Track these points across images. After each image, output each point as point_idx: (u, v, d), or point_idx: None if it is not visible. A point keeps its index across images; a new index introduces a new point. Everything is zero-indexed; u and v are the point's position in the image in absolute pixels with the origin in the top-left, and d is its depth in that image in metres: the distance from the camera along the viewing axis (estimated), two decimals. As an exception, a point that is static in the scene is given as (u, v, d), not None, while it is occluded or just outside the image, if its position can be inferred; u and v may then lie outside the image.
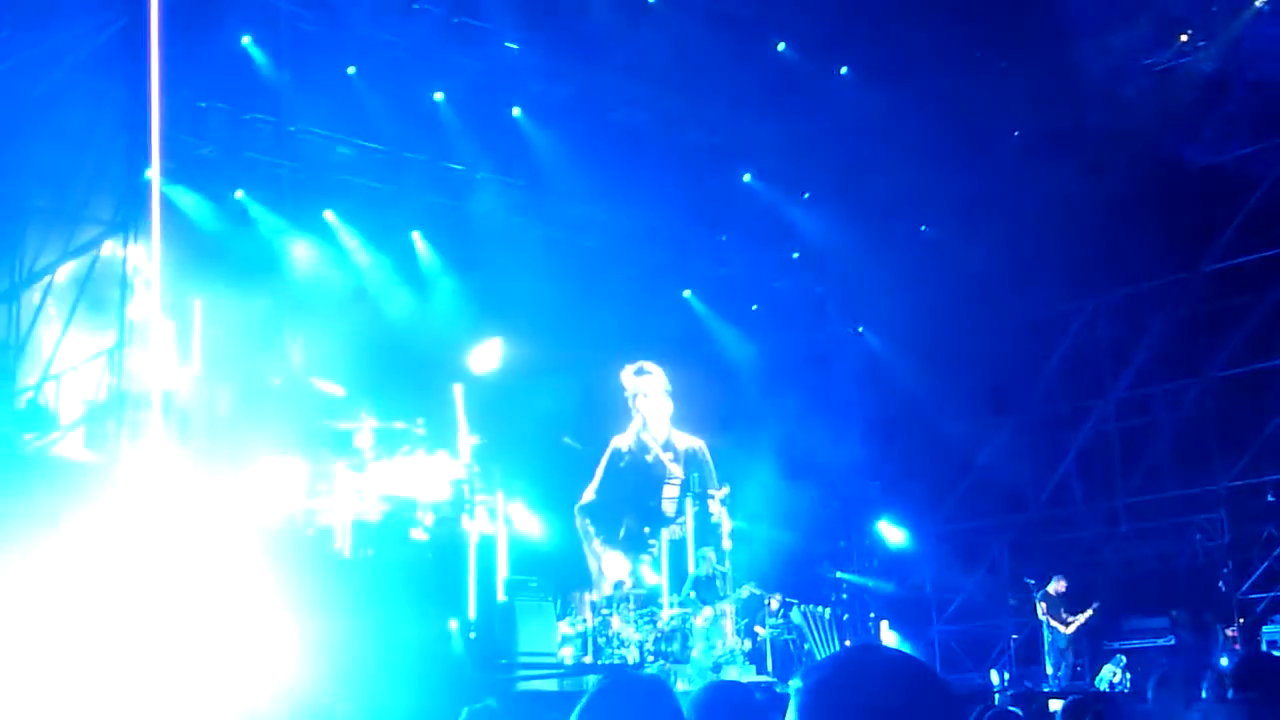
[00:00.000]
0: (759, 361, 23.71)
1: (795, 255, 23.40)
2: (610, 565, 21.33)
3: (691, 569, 19.82)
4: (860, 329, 24.39)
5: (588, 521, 22.04)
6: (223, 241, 18.15)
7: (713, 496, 21.21)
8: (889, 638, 22.52)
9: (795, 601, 20.26)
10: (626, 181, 21.15)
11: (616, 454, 22.52)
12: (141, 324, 15.67)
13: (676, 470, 22.69)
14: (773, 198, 22.50)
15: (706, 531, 21.25)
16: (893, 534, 24.23)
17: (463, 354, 20.53)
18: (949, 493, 23.83)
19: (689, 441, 22.93)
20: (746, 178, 22.36)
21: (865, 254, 22.90)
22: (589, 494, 22.19)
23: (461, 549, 17.03)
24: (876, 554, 23.97)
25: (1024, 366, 23.42)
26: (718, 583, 19.49)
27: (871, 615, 23.12)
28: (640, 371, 22.69)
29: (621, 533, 22.07)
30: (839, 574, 23.57)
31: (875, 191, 22.25)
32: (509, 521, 18.85)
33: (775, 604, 19.83)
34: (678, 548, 21.66)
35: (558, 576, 19.24)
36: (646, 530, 22.19)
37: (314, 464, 17.01)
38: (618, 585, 20.10)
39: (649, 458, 22.74)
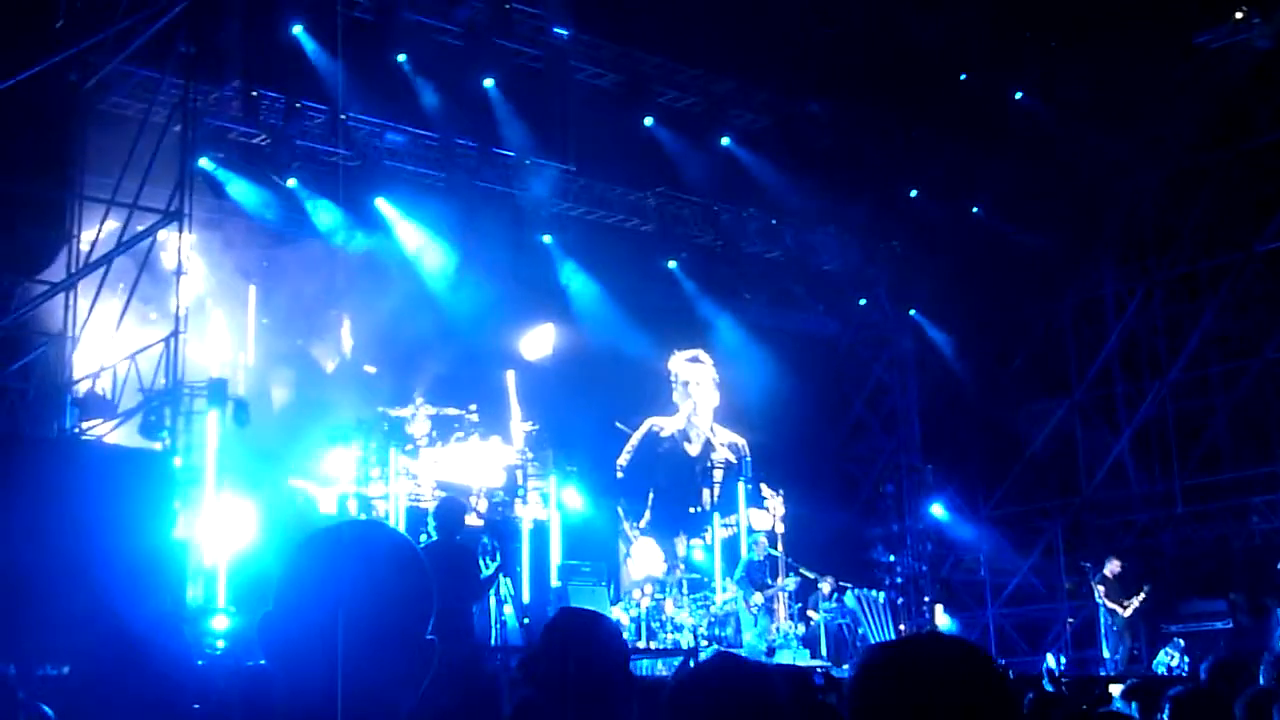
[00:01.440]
0: (808, 345, 23.49)
1: (846, 237, 23.12)
2: (640, 550, 20.87)
3: (745, 553, 19.65)
4: (912, 311, 24.12)
5: (618, 500, 21.64)
6: (276, 230, 18.15)
7: (763, 482, 21.04)
8: (943, 622, 22.28)
9: (849, 585, 20.06)
10: (677, 166, 21.00)
11: (653, 437, 22.15)
12: (196, 312, 15.68)
13: (725, 456, 22.47)
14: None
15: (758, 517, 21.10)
16: (947, 518, 23.99)
17: (515, 341, 20.46)
18: (1003, 476, 23.60)
19: (730, 436, 22.74)
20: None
21: (916, 235, 22.67)
22: (616, 473, 21.79)
23: (515, 534, 17.01)
24: (930, 538, 23.72)
25: (1079, 348, 23.11)
26: (769, 568, 19.32)
27: (926, 599, 22.90)
28: (694, 360, 22.47)
29: (647, 518, 21.66)
30: (892, 557, 23.35)
31: (926, 173, 22.02)
32: (562, 506, 18.81)
33: (828, 588, 19.65)
34: (731, 535, 21.53)
35: (611, 561, 19.16)
36: (692, 510, 21.87)
37: (368, 450, 17.03)
38: (671, 569, 19.94)
39: (692, 448, 22.47)
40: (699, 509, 21.93)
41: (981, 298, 22.80)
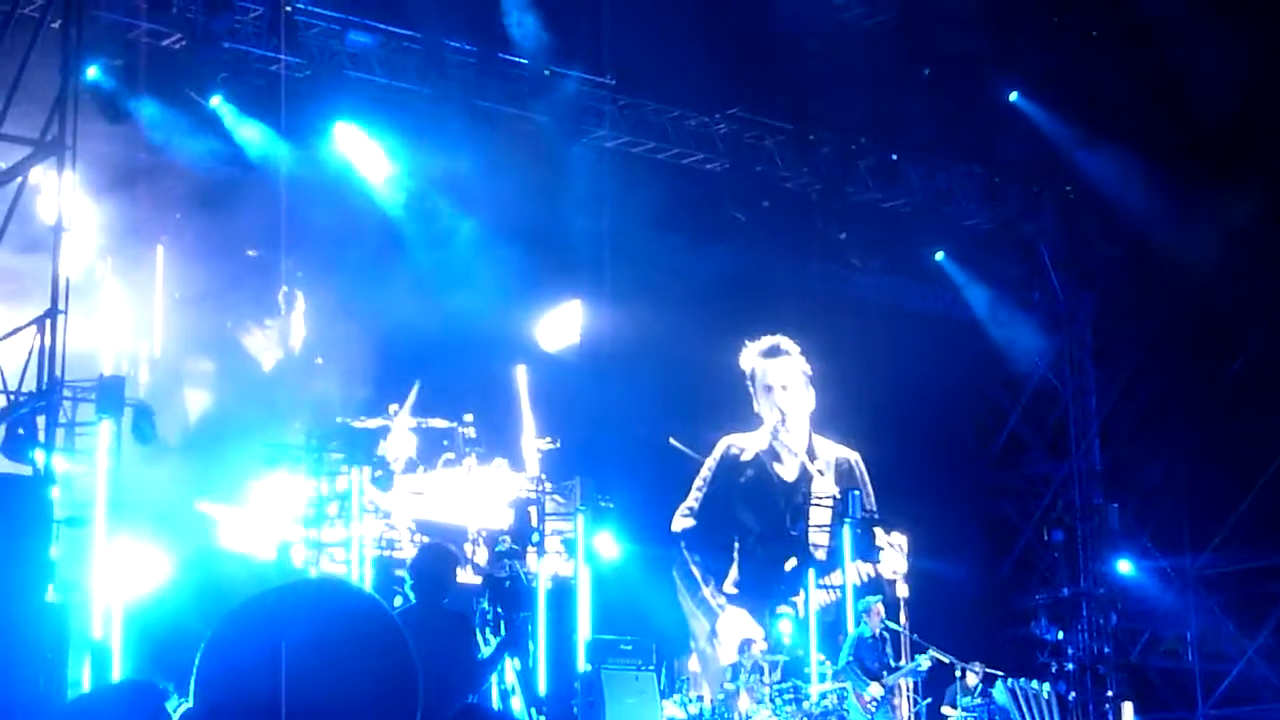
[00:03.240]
0: (942, 330, 23.42)
1: (996, 180, 23.02)
2: (731, 627, 21.16)
3: (851, 627, 19.63)
4: (1091, 287, 23.99)
5: (688, 555, 21.79)
6: (194, 168, 18.22)
7: (873, 515, 21.07)
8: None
9: (999, 674, 19.99)
10: (757, 79, 20.97)
11: (731, 463, 22.26)
12: (82, 283, 15.76)
13: (827, 487, 22.48)
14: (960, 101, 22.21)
15: (874, 579, 21.14)
16: (1139, 578, 23.90)
17: (528, 325, 20.49)
18: (1221, 520, 23.44)
19: (837, 451, 22.70)
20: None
21: (1097, 179, 22.58)
22: (682, 519, 21.85)
23: (528, 597, 17.04)
24: (1115, 606, 23.64)
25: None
26: (888, 648, 19.29)
27: (1109, 694, 22.81)
28: (773, 351, 22.46)
29: (732, 576, 21.82)
30: (1061, 635, 23.26)
31: (1110, 88, 21.97)
32: (594, 558, 18.83)
33: (975, 679, 19.59)
34: (828, 608, 21.49)
35: (662, 635, 19.20)
36: (791, 563, 21.94)
37: (323, 478, 17.09)
38: (745, 645, 19.97)
39: (784, 471, 22.50)
40: (801, 560, 21.99)
41: (1190, 270, 22.61)
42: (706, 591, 21.40)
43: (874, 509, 21.93)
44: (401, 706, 2.32)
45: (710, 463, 22.14)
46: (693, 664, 19.90)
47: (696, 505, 22.00)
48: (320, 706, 2.37)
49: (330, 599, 2.31)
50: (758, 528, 22.17)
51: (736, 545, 21.87)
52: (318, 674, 2.41)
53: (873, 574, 21.00)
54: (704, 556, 21.67)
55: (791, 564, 21.88)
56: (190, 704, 2.53)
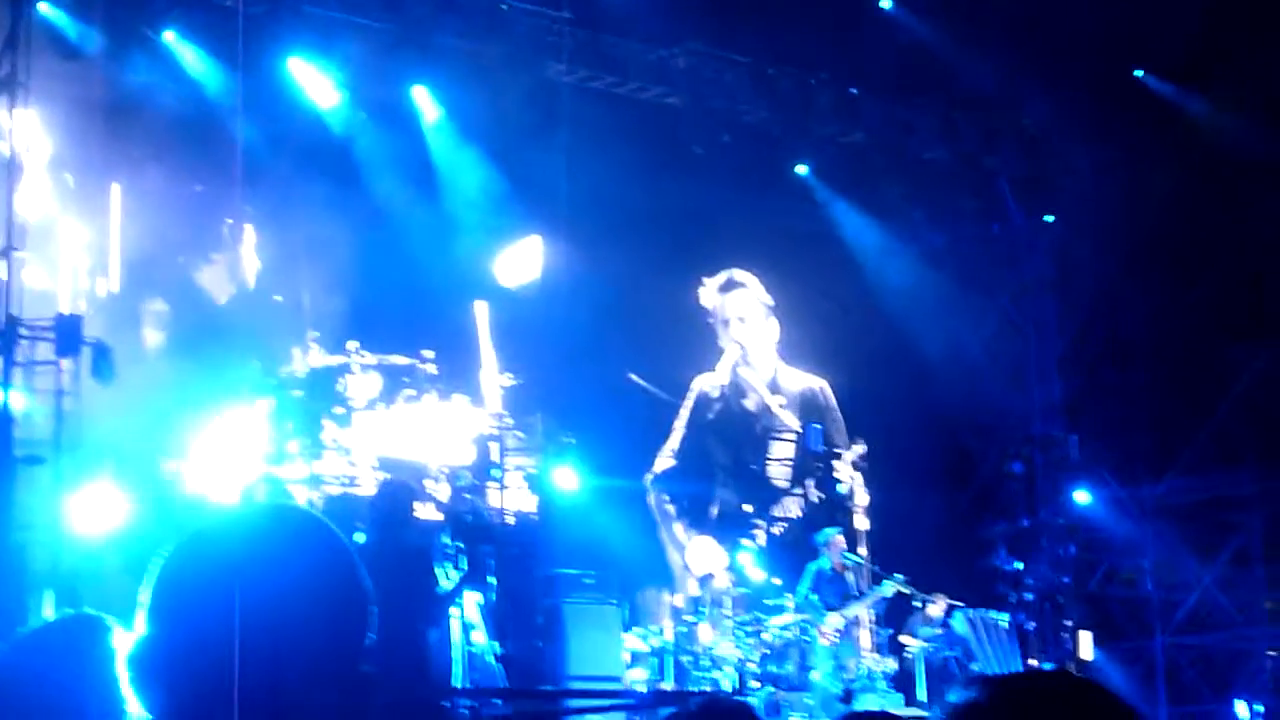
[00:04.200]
0: (903, 264, 23.49)
1: (955, 114, 23.04)
2: (698, 556, 21.32)
3: (814, 559, 19.75)
4: (1049, 218, 24.05)
5: (665, 498, 22.00)
6: (150, 104, 18.15)
7: (840, 456, 21.10)
8: (1090, 655, 22.38)
9: (959, 604, 20.14)
10: (717, 11, 20.92)
11: (703, 401, 22.39)
12: (38, 223, 15.74)
13: (789, 420, 22.53)
14: (926, 33, 22.17)
15: (833, 507, 21.15)
16: (1098, 508, 24.03)
17: (487, 260, 20.49)
18: (1179, 451, 23.56)
19: (804, 381, 22.75)
20: (886, 3, 22.08)
21: (1058, 108, 22.57)
22: (665, 459, 22.11)
23: (489, 532, 17.09)
24: (1074, 536, 23.78)
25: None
26: (850, 578, 19.43)
27: (1067, 624, 22.97)
28: (729, 285, 22.45)
29: (715, 510, 22.03)
30: (1020, 565, 23.40)
31: (1069, 27, 21.88)
32: (555, 494, 18.90)
33: (939, 610, 19.77)
34: (793, 531, 21.64)
35: (624, 570, 19.27)
36: (749, 508, 22.13)
37: (280, 415, 17.11)
38: (706, 580, 20.11)
39: (749, 404, 22.59)
40: (763, 492, 22.15)
41: (1154, 200, 22.68)
42: (678, 527, 21.57)
43: (841, 442, 21.85)
44: (353, 633, 2.36)
45: (687, 403, 22.33)
46: (677, 600, 19.94)
47: (677, 445, 22.23)
48: (272, 634, 2.40)
49: (285, 525, 2.35)
50: (727, 462, 22.33)
51: (714, 486, 22.06)
52: (271, 598, 2.45)
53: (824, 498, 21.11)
54: (681, 494, 21.90)
55: (749, 508, 22.03)
56: (146, 632, 2.56)
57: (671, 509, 21.92)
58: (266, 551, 2.65)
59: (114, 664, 2.88)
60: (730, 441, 22.49)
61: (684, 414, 22.31)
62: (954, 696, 2.64)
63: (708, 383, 22.48)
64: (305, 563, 2.66)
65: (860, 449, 20.90)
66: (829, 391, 22.74)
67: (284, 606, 2.60)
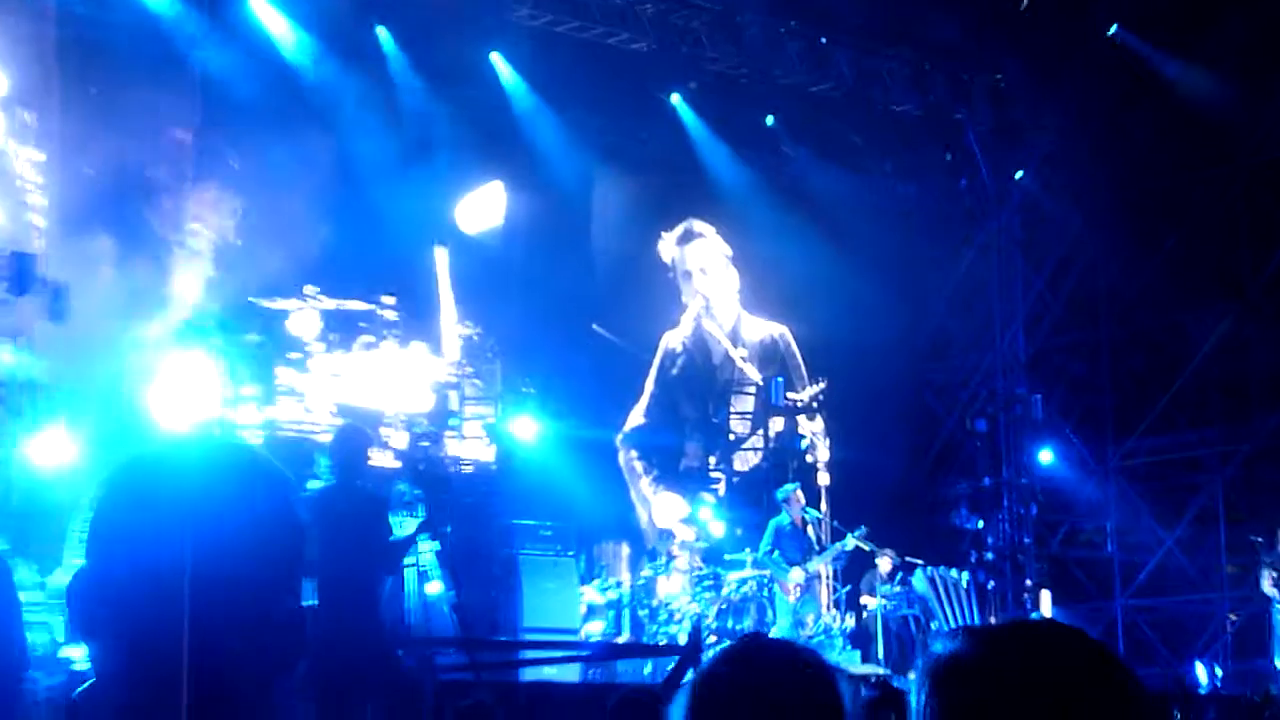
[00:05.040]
0: (869, 216, 23.46)
1: (926, 67, 23.00)
2: (663, 510, 21.36)
3: (774, 514, 19.78)
4: (1019, 174, 24.06)
5: (634, 454, 22.02)
6: (105, 38, 17.97)
7: (798, 405, 21.19)
8: (1049, 614, 22.47)
9: (919, 563, 20.21)
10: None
11: (669, 356, 22.45)
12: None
13: (750, 373, 22.57)
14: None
15: (794, 461, 21.22)
16: (1061, 468, 24.11)
17: (449, 206, 20.40)
18: (1142, 412, 23.64)
19: (765, 329, 22.82)
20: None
21: (1029, 64, 22.55)
22: (635, 417, 22.18)
23: (446, 480, 17.07)
24: (1036, 495, 23.85)
25: (1256, 230, 23.03)
26: (810, 534, 19.46)
27: (1028, 584, 23.07)
28: (687, 237, 22.46)
29: (683, 464, 22.13)
30: (981, 524, 23.49)
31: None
32: (514, 444, 18.89)
33: (888, 565, 19.85)
34: (752, 483, 21.67)
35: (583, 522, 19.28)
36: (712, 460, 22.18)
37: (233, 360, 17.02)
38: (666, 534, 20.14)
39: (712, 357, 22.63)
40: (725, 444, 22.23)
41: (1120, 157, 22.66)
42: (645, 483, 21.65)
43: (803, 396, 21.87)
44: (286, 562, 2.32)
45: (656, 362, 22.50)
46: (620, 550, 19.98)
47: (647, 402, 22.36)
48: (203, 563, 2.38)
49: (224, 456, 2.31)
50: (693, 415, 22.48)
51: (683, 442, 22.18)
52: (203, 529, 2.42)
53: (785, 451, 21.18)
54: (650, 450, 22.06)
55: (712, 460, 22.10)
56: (81, 564, 2.55)
57: (639, 466, 21.98)
58: (200, 481, 2.61)
59: (13, 603, 2.80)
60: (696, 395, 22.59)
61: (652, 372, 22.47)
62: (938, 647, 2.58)
63: (673, 338, 22.55)
64: (239, 494, 2.62)
65: (817, 388, 21.07)
66: (789, 337, 22.83)
67: (215, 538, 2.56)
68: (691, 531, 19.90)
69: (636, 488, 21.89)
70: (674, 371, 22.48)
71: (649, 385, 22.37)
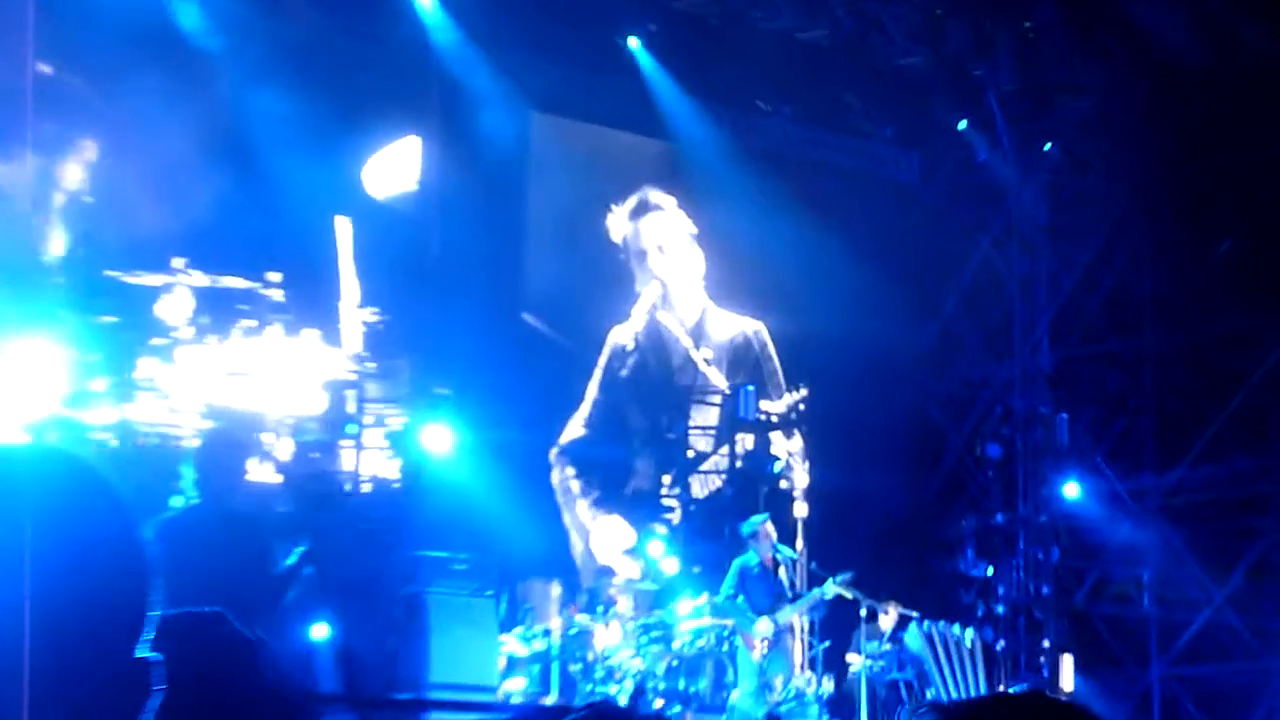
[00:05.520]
0: (864, 192, 23.53)
1: (939, 12, 23.06)
2: (604, 540, 21.33)
3: (740, 552, 19.78)
4: (1047, 146, 24.14)
5: (570, 472, 21.91)
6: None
7: (772, 418, 21.21)
8: (1071, 685, 22.55)
9: (915, 615, 20.25)
10: None
11: (617, 354, 22.36)
12: None
13: (715, 379, 22.56)
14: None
15: (765, 487, 21.24)
16: (1089, 504, 24.16)
17: (353, 166, 20.37)
18: (1188, 439, 23.69)
19: (736, 325, 22.79)
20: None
21: (1066, 10, 22.62)
22: (574, 427, 22.06)
23: (339, 501, 17.05)
24: (1059, 538, 23.95)
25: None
26: (783, 577, 19.48)
27: (1047, 644, 23.15)
28: (642, 209, 22.44)
29: (630, 488, 22.07)
30: (991, 570, 23.56)
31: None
32: (423, 457, 18.86)
33: (892, 620, 19.86)
34: (713, 512, 21.67)
35: (506, 555, 19.27)
36: (666, 482, 22.14)
37: (85, 346, 16.95)
38: (604, 573, 20.14)
39: (669, 356, 22.60)
40: (682, 465, 22.21)
41: (1174, 128, 22.74)
42: (583, 507, 21.55)
43: (778, 407, 21.88)
44: (126, 606, 2.27)
45: (601, 362, 22.39)
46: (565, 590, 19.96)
47: (589, 410, 22.25)
48: (18, 607, 2.34)
49: (47, 468, 2.26)
50: (643, 428, 22.47)
51: (631, 459, 22.16)
52: (18, 565, 2.38)
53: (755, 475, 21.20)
54: (590, 468, 21.96)
55: (667, 480, 22.04)
56: None
57: (576, 486, 21.85)
58: (16, 503, 2.57)
59: None
60: (647, 403, 22.49)
61: (597, 373, 22.32)
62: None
63: (622, 333, 22.45)
64: (65, 519, 2.58)
65: (796, 396, 21.09)
66: (765, 336, 22.79)
67: (37, 575, 2.52)
68: (637, 568, 19.90)
69: (572, 512, 21.83)
70: (623, 374, 22.43)
71: (591, 390, 22.28)
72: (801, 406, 21.12)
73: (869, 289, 22.55)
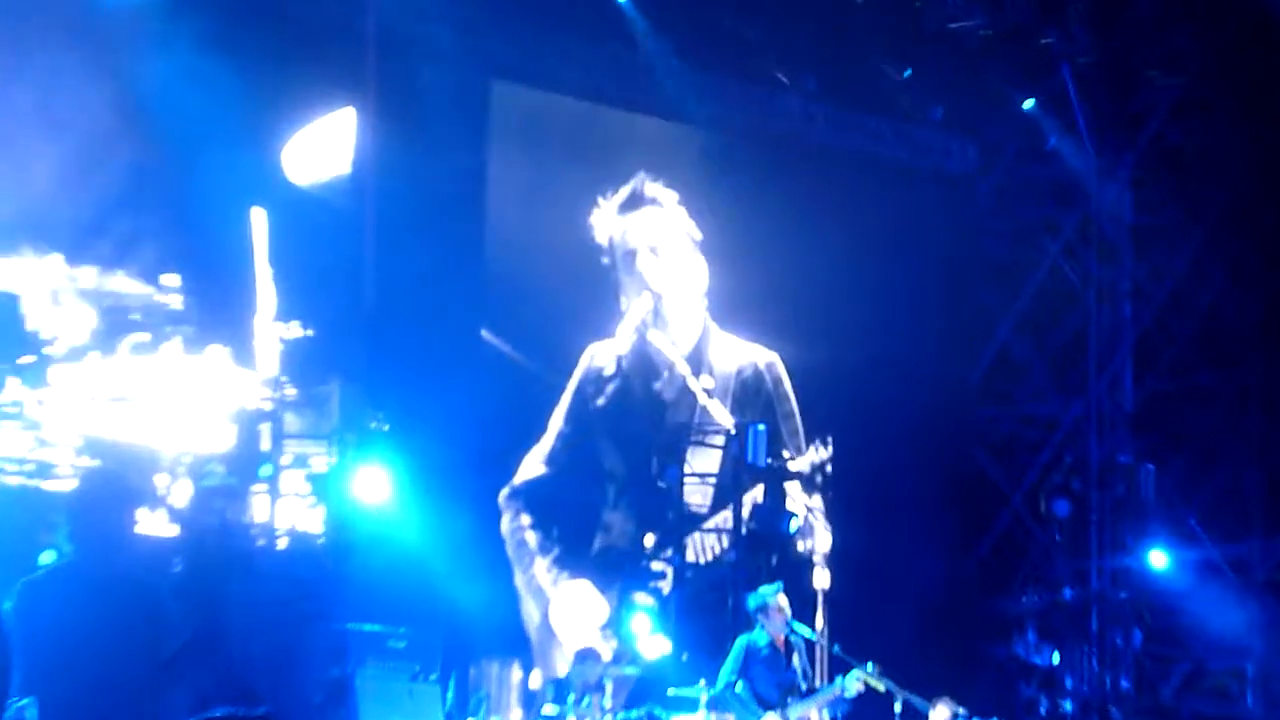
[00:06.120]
0: (906, 187, 23.67)
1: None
2: (568, 612, 21.37)
3: (745, 630, 19.88)
4: (1134, 133, 24.32)
5: (525, 521, 21.82)
6: None
7: (788, 468, 21.24)
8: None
9: (962, 712, 20.35)
10: None
11: (592, 379, 22.24)
12: None
13: (719, 414, 22.54)
14: None
15: (778, 551, 21.33)
16: (1179, 576, 24.23)
17: (273, 143, 20.46)
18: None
19: (745, 354, 22.73)
20: None
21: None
22: (532, 465, 21.90)
23: (248, 560, 17.13)
24: (1142, 619, 24.05)
25: None
26: (797, 663, 19.56)
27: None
28: (635, 202, 22.44)
29: (599, 543, 22.01)
30: (1057, 657, 23.64)
31: None
32: (355, 507, 18.90)
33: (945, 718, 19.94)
34: (712, 582, 21.76)
35: (455, 628, 19.37)
36: (649, 540, 22.12)
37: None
38: (585, 658, 20.19)
39: (659, 385, 22.57)
40: (673, 521, 22.11)
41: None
42: (541, 566, 21.57)
43: (794, 447, 21.94)
44: None
45: (571, 385, 22.35)
46: (533, 679, 20.05)
47: (553, 444, 22.16)
48: None
49: None
50: (620, 472, 22.40)
51: (599, 510, 22.14)
52: None
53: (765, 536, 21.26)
54: (550, 517, 21.86)
55: (650, 541, 21.96)
56: None
57: (533, 539, 21.72)
58: None
59: None
60: (629, 441, 22.37)
61: (565, 400, 22.29)
62: None
63: (602, 354, 22.38)
64: None
65: (822, 455, 21.07)
66: (781, 370, 22.75)
67: None
68: (610, 648, 19.93)
69: (527, 572, 21.69)
70: (599, 402, 22.31)
71: (557, 419, 22.24)
72: (828, 468, 21.08)
73: (908, 307, 22.70)
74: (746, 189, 22.61)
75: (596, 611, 20.94)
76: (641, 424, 22.61)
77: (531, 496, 22.12)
